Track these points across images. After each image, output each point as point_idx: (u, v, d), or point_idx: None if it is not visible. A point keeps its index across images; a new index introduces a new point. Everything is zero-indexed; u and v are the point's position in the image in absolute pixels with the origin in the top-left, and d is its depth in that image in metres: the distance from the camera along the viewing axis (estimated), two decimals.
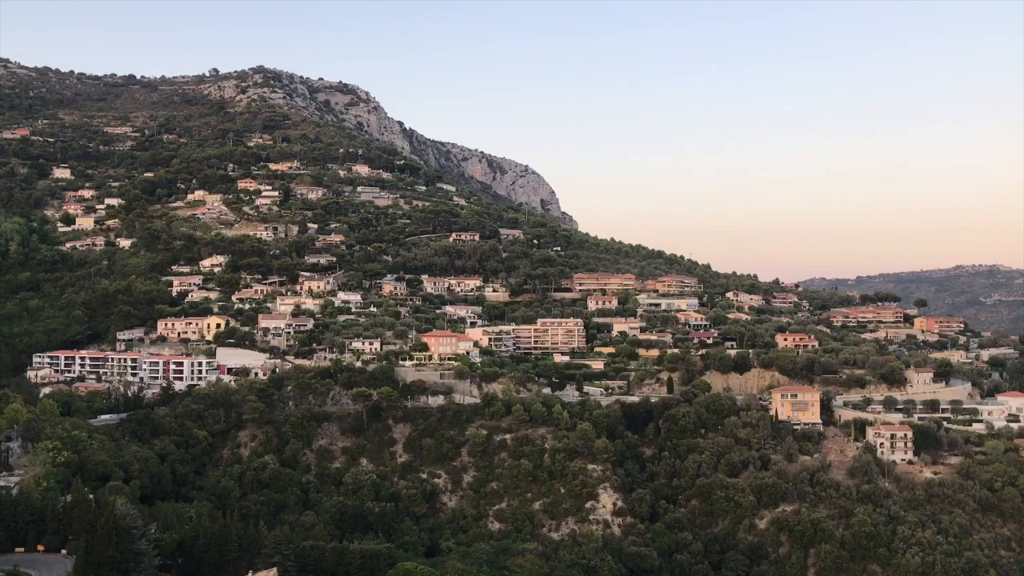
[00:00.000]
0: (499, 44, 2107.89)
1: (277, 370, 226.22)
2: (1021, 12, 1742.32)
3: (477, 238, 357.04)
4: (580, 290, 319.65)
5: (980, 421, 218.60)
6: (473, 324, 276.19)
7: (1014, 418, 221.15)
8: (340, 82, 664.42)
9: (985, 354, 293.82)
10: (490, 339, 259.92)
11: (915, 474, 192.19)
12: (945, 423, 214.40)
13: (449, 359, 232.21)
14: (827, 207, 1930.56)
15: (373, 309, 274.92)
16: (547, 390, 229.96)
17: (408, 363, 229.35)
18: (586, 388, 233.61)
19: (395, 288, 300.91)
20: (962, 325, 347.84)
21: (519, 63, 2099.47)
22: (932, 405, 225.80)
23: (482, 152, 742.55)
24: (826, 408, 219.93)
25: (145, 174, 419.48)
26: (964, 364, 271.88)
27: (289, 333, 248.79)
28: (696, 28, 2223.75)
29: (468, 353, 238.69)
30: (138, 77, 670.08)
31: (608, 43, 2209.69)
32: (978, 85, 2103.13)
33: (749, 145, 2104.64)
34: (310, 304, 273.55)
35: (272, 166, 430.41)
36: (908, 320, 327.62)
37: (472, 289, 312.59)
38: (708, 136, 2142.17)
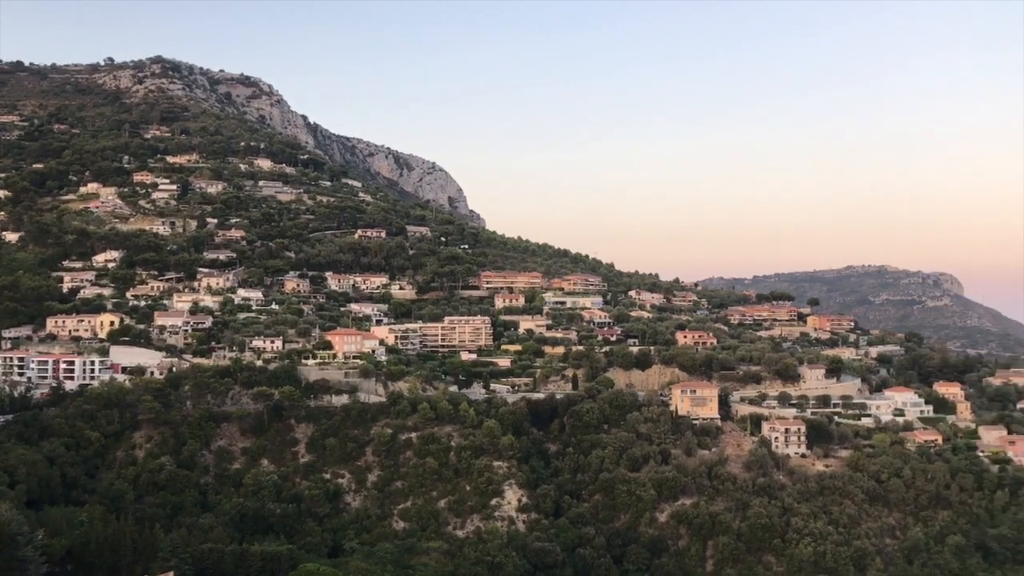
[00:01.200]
0: (405, 39, 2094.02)
1: (174, 369, 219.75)
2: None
3: (383, 235, 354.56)
4: (487, 288, 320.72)
5: (868, 415, 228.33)
6: (379, 322, 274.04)
7: (900, 412, 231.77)
8: (242, 74, 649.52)
9: (873, 351, 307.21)
10: (396, 337, 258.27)
11: (808, 467, 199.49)
12: (836, 417, 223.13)
13: (354, 357, 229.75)
14: (725, 208, 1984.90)
15: (275, 306, 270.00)
16: (454, 388, 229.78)
17: (311, 362, 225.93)
18: (493, 386, 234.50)
19: (298, 285, 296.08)
20: (852, 323, 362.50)
21: (425, 59, 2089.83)
22: (824, 400, 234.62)
23: (389, 148, 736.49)
24: (724, 403, 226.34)
25: (34, 165, 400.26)
26: (854, 361, 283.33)
27: (187, 331, 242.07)
28: (604, 27, 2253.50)
29: (373, 351, 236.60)
30: (27, 64, 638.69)
31: (513, 43, 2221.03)
32: (874, 90, 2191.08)
33: (652, 146, 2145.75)
34: (209, 301, 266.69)
35: (170, 159, 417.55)
36: (801, 318, 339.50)
37: (378, 287, 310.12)
38: (612, 137, 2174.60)
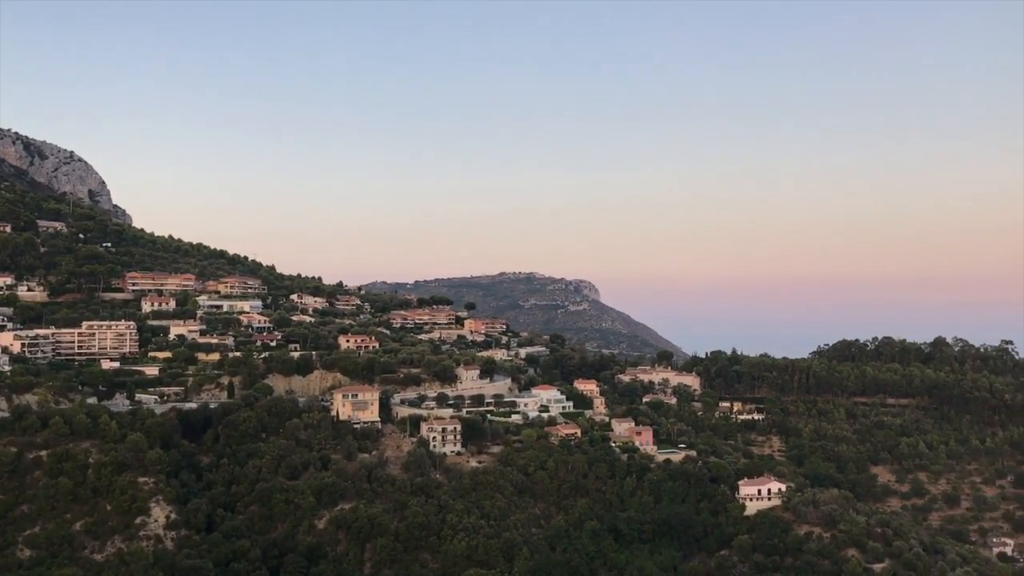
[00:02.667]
0: (46, 12, 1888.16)
1: None
2: None
3: (9, 229, 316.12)
4: (133, 290, 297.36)
5: (518, 413, 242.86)
6: (3, 328, 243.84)
7: (545, 409, 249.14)
8: None
9: (523, 352, 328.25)
10: (23, 344, 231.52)
11: (463, 464, 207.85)
12: (489, 415, 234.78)
13: None
14: (389, 211, 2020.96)
15: None
16: (93, 400, 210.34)
17: None
18: (139, 396, 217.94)
19: None
20: (505, 326, 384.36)
21: (69, 34, 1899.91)
22: (478, 399, 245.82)
23: (17, 133, 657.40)
24: (385, 406, 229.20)
25: None
26: (506, 361, 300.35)
27: None
28: (248, 22, 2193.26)
29: None
30: None
31: (164, 29, 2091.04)
32: (541, 105, 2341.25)
33: (313, 149, 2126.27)
34: None
35: None
36: (459, 322, 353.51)
37: (2, 288, 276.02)
38: (280, 138, 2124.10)
